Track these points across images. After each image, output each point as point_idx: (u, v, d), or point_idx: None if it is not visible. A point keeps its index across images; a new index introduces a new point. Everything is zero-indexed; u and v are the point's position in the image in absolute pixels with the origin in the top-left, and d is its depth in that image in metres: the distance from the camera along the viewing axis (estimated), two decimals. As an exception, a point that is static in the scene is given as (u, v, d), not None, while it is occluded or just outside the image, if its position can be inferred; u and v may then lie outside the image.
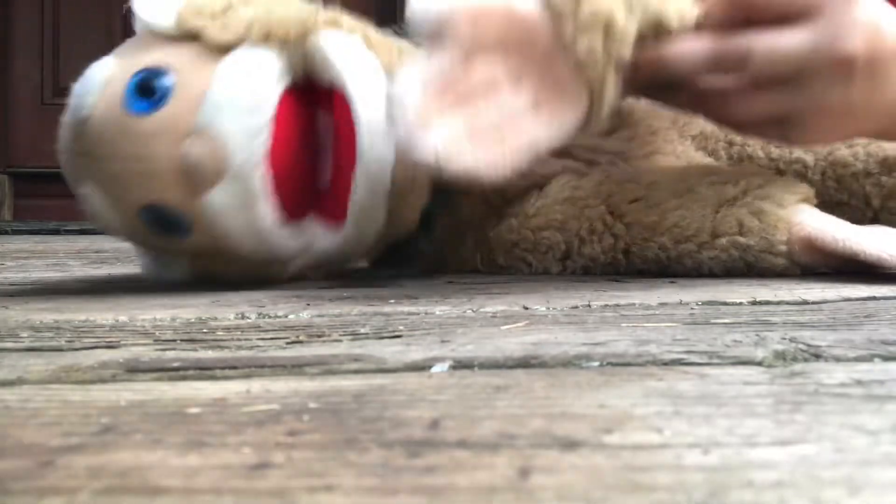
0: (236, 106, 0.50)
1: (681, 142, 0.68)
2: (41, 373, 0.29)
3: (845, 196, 0.65)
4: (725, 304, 0.43)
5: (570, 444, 0.20)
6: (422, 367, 0.29)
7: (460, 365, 0.29)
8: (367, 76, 0.52)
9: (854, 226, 0.54)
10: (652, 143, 0.66)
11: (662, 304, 0.43)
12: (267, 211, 0.52)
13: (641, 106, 0.67)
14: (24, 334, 0.37)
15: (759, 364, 0.28)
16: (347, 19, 0.55)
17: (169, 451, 0.20)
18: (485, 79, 0.45)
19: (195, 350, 0.32)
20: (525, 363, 0.29)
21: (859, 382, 0.25)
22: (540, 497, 0.17)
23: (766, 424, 0.21)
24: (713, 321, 0.37)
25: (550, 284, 0.54)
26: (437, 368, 0.29)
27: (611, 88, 0.48)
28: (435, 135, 0.43)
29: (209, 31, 0.51)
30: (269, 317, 0.41)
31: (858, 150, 0.65)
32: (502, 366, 0.29)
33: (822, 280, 0.52)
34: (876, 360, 0.29)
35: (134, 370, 0.29)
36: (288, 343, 0.34)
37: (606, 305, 0.43)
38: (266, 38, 0.52)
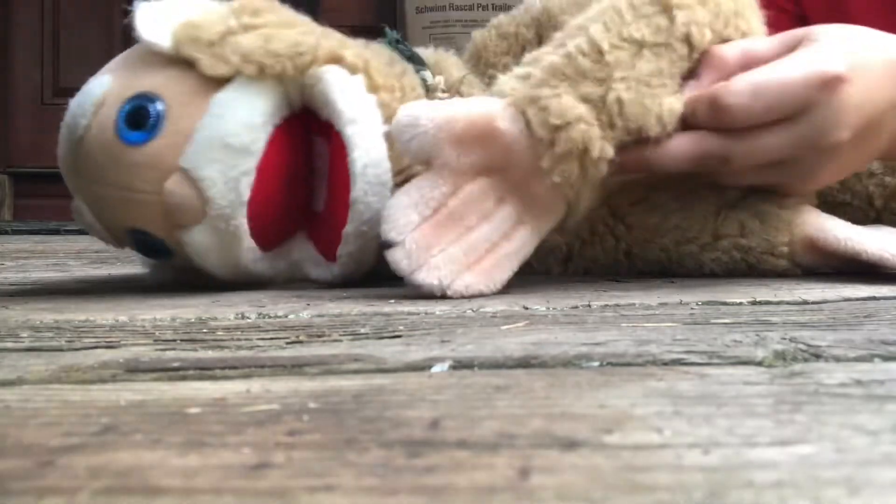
0: (223, 150, 0.49)
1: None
2: (41, 373, 0.29)
3: (848, 196, 0.65)
4: (725, 304, 0.43)
5: (570, 444, 0.20)
6: (422, 367, 0.29)
7: (460, 365, 0.29)
8: (366, 124, 0.51)
9: (855, 226, 0.54)
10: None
11: (662, 304, 0.43)
12: (246, 248, 0.52)
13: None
14: (24, 334, 0.37)
15: (759, 364, 0.28)
16: (351, 51, 0.54)
17: (169, 451, 0.20)
18: (472, 199, 0.47)
19: (195, 350, 0.32)
20: (525, 363, 0.29)
21: (859, 382, 0.25)
22: (540, 497, 0.17)
23: (766, 424, 0.21)
24: (713, 321, 0.37)
25: (550, 284, 0.54)
26: (437, 368, 0.29)
27: (587, 200, 0.50)
28: (436, 268, 0.46)
29: (203, 63, 0.50)
30: (269, 317, 0.41)
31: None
32: (502, 366, 0.29)
33: (822, 280, 0.52)
34: (876, 360, 0.29)
35: (134, 370, 0.29)
36: (288, 343, 0.34)
37: (606, 305, 0.43)
38: (262, 73, 0.51)
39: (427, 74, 0.60)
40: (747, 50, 0.52)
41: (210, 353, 0.32)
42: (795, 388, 0.25)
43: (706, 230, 0.56)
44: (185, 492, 0.17)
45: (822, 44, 0.51)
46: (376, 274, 0.53)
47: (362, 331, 0.36)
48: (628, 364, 0.29)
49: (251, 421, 0.22)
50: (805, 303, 0.43)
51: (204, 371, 0.29)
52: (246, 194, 0.50)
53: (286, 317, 0.41)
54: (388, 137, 0.51)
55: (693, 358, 0.29)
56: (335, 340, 0.34)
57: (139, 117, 0.50)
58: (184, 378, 0.28)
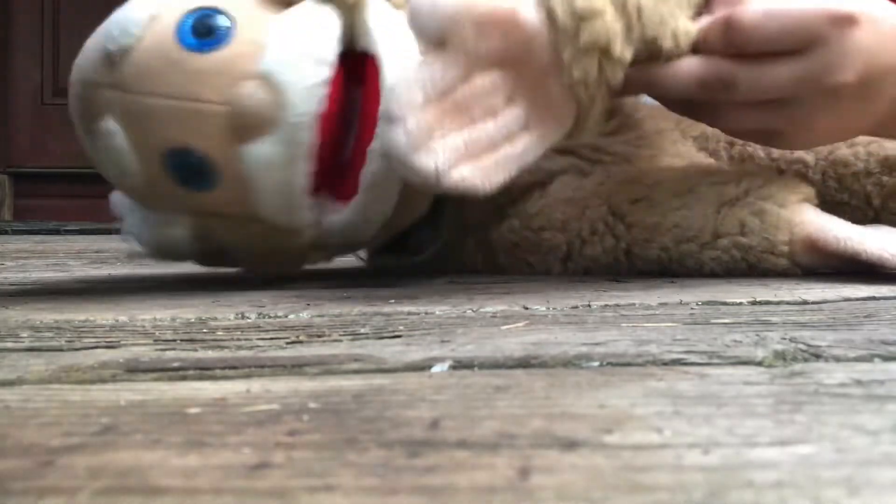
0: (303, 58, 0.49)
1: (683, 142, 0.69)
2: (41, 373, 0.29)
3: (846, 196, 0.65)
4: (725, 304, 0.43)
5: (570, 444, 0.20)
6: (422, 367, 0.29)
7: (460, 365, 0.29)
8: (401, 46, 0.51)
9: (855, 225, 0.54)
10: (655, 143, 0.66)
11: (662, 304, 0.43)
12: (304, 174, 0.50)
13: (645, 107, 0.67)
14: (24, 334, 0.37)
15: (759, 364, 0.28)
16: None
17: (169, 451, 0.20)
18: (482, 92, 0.46)
19: (195, 350, 0.32)
20: (525, 363, 0.29)
21: (859, 382, 0.25)
22: (540, 497, 0.17)
23: (766, 424, 0.21)
24: (713, 321, 0.37)
25: (550, 284, 0.54)
26: (437, 368, 0.29)
27: (599, 107, 0.49)
28: (434, 152, 0.44)
29: None
30: (269, 317, 0.41)
31: (859, 150, 0.65)
32: (502, 366, 0.29)
33: (822, 280, 0.52)
34: (876, 360, 0.29)
35: (134, 370, 0.29)
36: (288, 343, 0.34)
37: (606, 305, 0.43)
38: None
39: None
40: None
41: (210, 353, 0.32)
42: (795, 388, 0.25)
43: (706, 229, 0.56)
44: (185, 492, 0.17)
45: None
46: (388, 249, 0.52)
47: (362, 331, 0.36)
48: (628, 364, 0.29)
49: (251, 421, 0.22)
50: (805, 303, 0.43)
51: (204, 371, 0.29)
52: (320, 106, 0.50)
53: (286, 317, 0.41)
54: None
55: (693, 358, 0.29)
56: (335, 340, 0.34)
57: (205, 28, 0.49)
58: (184, 378, 0.28)
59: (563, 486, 0.17)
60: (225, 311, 0.43)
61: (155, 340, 0.35)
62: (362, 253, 0.69)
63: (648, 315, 0.40)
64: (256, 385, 0.27)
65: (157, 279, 0.65)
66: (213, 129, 0.49)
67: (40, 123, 2.34)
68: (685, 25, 0.51)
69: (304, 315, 0.41)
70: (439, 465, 0.19)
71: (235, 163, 0.49)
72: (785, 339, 0.32)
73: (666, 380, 0.26)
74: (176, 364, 0.30)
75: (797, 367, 0.28)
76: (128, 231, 0.56)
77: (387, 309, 0.43)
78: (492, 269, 0.64)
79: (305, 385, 0.27)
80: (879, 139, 0.64)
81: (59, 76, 2.36)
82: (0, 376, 0.28)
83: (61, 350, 0.33)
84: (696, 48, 0.51)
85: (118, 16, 0.51)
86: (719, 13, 0.52)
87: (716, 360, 0.29)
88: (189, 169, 0.50)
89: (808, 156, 0.67)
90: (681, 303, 0.44)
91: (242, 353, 0.32)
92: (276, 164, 0.50)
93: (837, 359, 0.29)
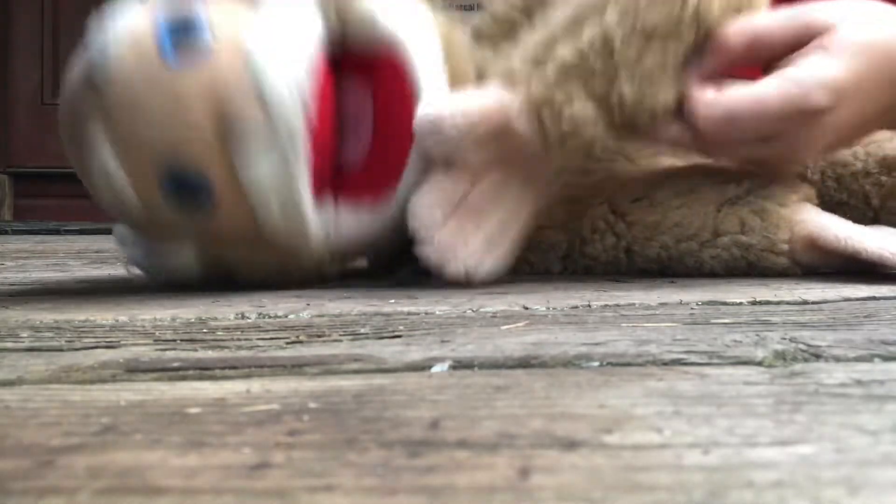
0: (284, 64, 0.48)
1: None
2: (41, 373, 0.29)
3: (845, 195, 0.65)
4: (725, 304, 0.43)
5: (570, 444, 0.20)
6: (422, 367, 0.29)
7: (460, 365, 0.29)
8: (425, 39, 0.51)
9: (856, 225, 0.54)
10: (655, 143, 0.66)
11: (662, 304, 0.43)
12: (305, 180, 0.50)
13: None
14: (24, 334, 0.37)
15: (759, 364, 0.28)
16: None
17: (169, 451, 0.20)
18: (489, 189, 0.52)
19: (195, 350, 0.32)
20: (525, 363, 0.29)
21: (859, 382, 0.25)
22: (540, 497, 0.17)
23: (766, 424, 0.21)
24: (713, 321, 0.37)
25: (550, 284, 0.54)
26: (437, 368, 0.29)
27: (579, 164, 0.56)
28: (461, 260, 0.51)
29: None
30: (269, 317, 0.41)
31: (858, 150, 0.65)
32: (502, 366, 0.29)
33: (822, 280, 0.52)
34: (876, 360, 0.29)
35: (134, 370, 0.29)
36: (288, 343, 0.34)
37: (606, 305, 0.43)
38: None
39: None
40: (756, 35, 0.51)
41: (210, 353, 0.32)
42: (795, 388, 0.25)
43: (706, 227, 0.56)
44: (185, 492, 0.17)
45: (828, 56, 0.50)
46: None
47: (362, 331, 0.36)
48: (628, 364, 0.29)
49: (251, 421, 0.22)
50: (805, 303, 0.43)
51: (204, 371, 0.29)
52: (310, 110, 0.49)
53: (286, 317, 0.41)
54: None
55: (693, 358, 0.29)
56: (335, 340, 0.34)
57: (186, 42, 0.48)
58: (184, 378, 0.28)
59: (563, 486, 0.17)
60: (225, 311, 0.43)
61: (155, 340, 0.35)
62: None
63: (648, 315, 0.40)
64: (256, 385, 0.27)
65: (154, 272, 0.65)
66: (204, 144, 0.48)
67: (40, 123, 2.34)
68: (665, 100, 0.51)
69: (304, 315, 0.41)
70: (439, 465, 0.19)
71: (231, 176, 0.49)
72: (785, 339, 0.32)
73: (666, 380, 0.26)
74: (176, 364, 0.30)
75: (797, 367, 0.28)
76: (132, 263, 0.56)
77: (387, 309, 0.43)
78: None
79: (305, 385, 0.27)
80: (879, 139, 0.64)
81: (59, 76, 2.35)
82: (0, 376, 0.28)
83: (61, 350, 0.33)
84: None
85: (98, 39, 0.50)
86: (709, 65, 0.51)
87: (716, 360, 0.29)
88: (185, 187, 0.49)
89: (807, 156, 0.67)
90: (681, 303, 0.44)
91: (242, 353, 0.32)
92: (272, 172, 0.49)
93: (837, 359, 0.29)
